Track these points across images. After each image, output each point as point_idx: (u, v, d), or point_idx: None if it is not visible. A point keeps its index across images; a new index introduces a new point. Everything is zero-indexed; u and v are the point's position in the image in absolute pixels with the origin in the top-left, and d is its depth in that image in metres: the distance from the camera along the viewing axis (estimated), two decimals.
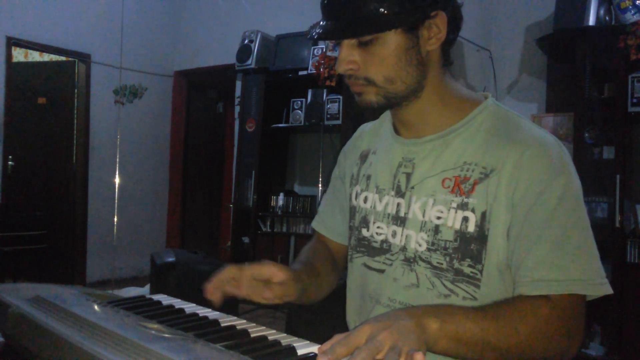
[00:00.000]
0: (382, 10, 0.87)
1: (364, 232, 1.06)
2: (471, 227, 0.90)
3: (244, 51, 4.56)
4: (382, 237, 1.02)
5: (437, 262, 0.93)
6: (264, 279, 0.96)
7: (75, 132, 5.27)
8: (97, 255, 5.31)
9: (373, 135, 1.15)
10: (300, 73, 4.37)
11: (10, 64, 4.81)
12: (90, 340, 0.69)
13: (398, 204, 1.00)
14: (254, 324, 0.88)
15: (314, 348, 0.75)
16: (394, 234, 1.00)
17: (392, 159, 1.03)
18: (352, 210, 1.11)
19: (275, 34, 4.63)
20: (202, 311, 0.96)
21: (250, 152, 4.65)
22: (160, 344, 0.67)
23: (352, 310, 1.12)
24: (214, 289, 0.95)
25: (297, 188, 5.02)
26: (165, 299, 1.03)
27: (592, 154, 3.37)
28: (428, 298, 0.94)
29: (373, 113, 1.00)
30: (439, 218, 0.94)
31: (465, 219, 0.91)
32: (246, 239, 4.71)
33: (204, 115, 6.55)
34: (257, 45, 4.53)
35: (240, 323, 0.89)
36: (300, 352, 0.74)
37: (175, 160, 6.07)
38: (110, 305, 0.93)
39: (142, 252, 5.39)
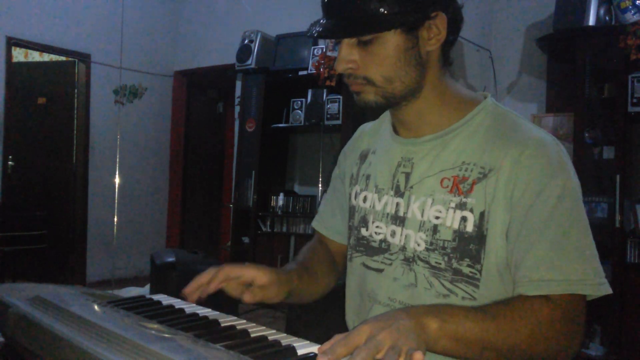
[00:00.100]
0: (382, 10, 0.87)
1: (363, 231, 1.06)
2: (470, 227, 0.90)
3: (244, 51, 4.56)
4: (381, 237, 1.02)
5: (436, 262, 0.93)
6: (246, 282, 0.97)
7: (75, 132, 5.27)
8: (97, 255, 5.31)
9: (373, 135, 1.15)
10: (300, 73, 4.37)
11: (10, 64, 4.82)
12: (90, 340, 0.69)
13: (397, 204, 1.00)
14: (254, 324, 0.88)
15: (314, 348, 0.75)
16: (393, 234, 1.00)
17: (391, 159, 1.03)
18: (352, 210, 1.11)
19: (275, 34, 4.63)
20: (202, 311, 0.96)
21: (250, 152, 4.65)
22: (160, 344, 0.67)
23: (351, 309, 1.12)
24: (192, 292, 0.95)
25: (297, 188, 5.02)
26: (165, 299, 1.03)
27: (592, 154, 3.37)
28: (426, 298, 0.94)
29: (373, 113, 1.00)
30: (437, 218, 0.94)
31: (464, 219, 0.91)
32: (246, 239, 4.71)
33: (204, 115, 6.55)
34: (257, 45, 4.53)
35: (240, 323, 0.89)
36: (300, 352, 0.74)
37: (175, 160, 6.07)
38: (110, 305, 0.93)
39: (142, 252, 5.39)
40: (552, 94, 3.91)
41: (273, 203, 4.68)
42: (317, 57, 4.20)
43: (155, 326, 0.79)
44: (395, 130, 1.06)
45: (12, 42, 4.78)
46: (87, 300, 0.95)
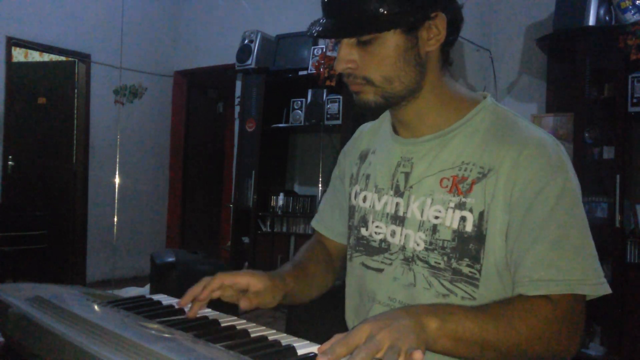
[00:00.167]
0: (382, 10, 0.87)
1: (363, 231, 1.06)
2: (469, 227, 0.90)
3: (244, 51, 4.56)
4: (380, 237, 1.02)
5: (435, 262, 0.93)
6: (241, 289, 0.98)
7: (75, 132, 5.27)
8: (97, 255, 5.31)
9: (372, 135, 1.15)
10: (300, 73, 4.37)
11: (10, 64, 4.81)
12: (90, 340, 0.69)
13: (397, 204, 1.00)
14: (254, 324, 0.88)
15: (314, 348, 0.75)
16: (393, 234, 1.00)
17: (391, 159, 1.03)
18: (352, 210, 1.11)
19: (275, 34, 4.63)
20: (202, 311, 0.96)
21: (250, 152, 4.65)
22: (160, 344, 0.67)
23: (351, 309, 1.12)
24: (186, 303, 0.95)
25: (297, 188, 5.02)
26: (165, 299, 1.03)
27: (592, 154, 3.37)
28: (426, 298, 0.94)
29: (373, 113, 1.00)
30: (436, 218, 0.94)
31: (463, 219, 0.91)
32: (246, 239, 4.71)
33: (204, 115, 6.55)
34: (257, 45, 4.53)
35: (240, 323, 0.89)
36: (300, 352, 0.74)
37: (175, 160, 6.07)
38: (110, 305, 0.93)
39: (142, 252, 5.39)
40: (552, 94, 3.91)
41: (273, 203, 4.68)
42: (317, 57, 4.20)
43: (155, 326, 0.79)
44: (395, 130, 1.06)
45: (12, 42, 4.78)
46: (87, 300, 0.95)
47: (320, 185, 4.40)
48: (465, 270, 0.91)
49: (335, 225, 1.21)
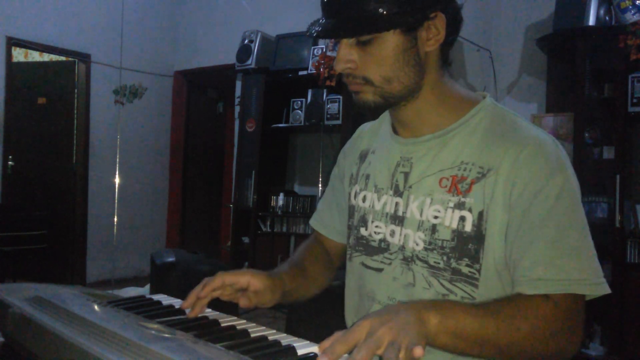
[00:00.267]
0: (382, 10, 0.88)
1: (363, 231, 1.06)
2: (468, 227, 0.90)
3: (244, 51, 4.56)
4: (380, 237, 1.02)
5: (434, 262, 0.93)
6: (241, 288, 0.99)
7: (75, 132, 5.27)
8: (97, 255, 5.31)
9: (372, 135, 1.15)
10: (300, 73, 4.37)
11: (10, 64, 4.81)
12: (90, 340, 0.69)
13: (396, 203, 1.00)
14: (254, 324, 0.88)
15: (314, 348, 0.75)
16: (393, 233, 1.00)
17: (391, 159, 1.04)
18: (351, 210, 1.12)
19: (275, 34, 4.63)
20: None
21: (250, 152, 4.65)
22: (160, 344, 0.67)
23: (351, 309, 1.13)
24: (190, 304, 0.96)
25: (297, 188, 5.02)
26: (165, 299, 1.04)
27: (592, 154, 3.37)
28: (425, 297, 0.94)
29: (372, 113, 1.00)
30: (436, 217, 0.94)
31: (462, 219, 0.91)
32: (246, 239, 4.71)
33: (204, 115, 6.55)
34: (257, 45, 4.53)
35: (240, 323, 0.89)
36: (300, 352, 0.74)
37: (175, 160, 6.07)
38: (110, 305, 0.93)
39: (142, 252, 5.39)
40: (552, 94, 3.91)
41: (273, 203, 4.68)
42: (317, 57, 4.20)
43: (155, 326, 0.79)
44: (395, 130, 1.06)
45: (12, 42, 4.78)
46: (87, 300, 0.95)
47: (320, 185, 4.40)
48: (465, 270, 0.91)
49: (333, 224, 1.21)
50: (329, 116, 4.28)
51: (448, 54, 0.99)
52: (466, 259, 0.91)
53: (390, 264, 1.00)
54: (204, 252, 3.71)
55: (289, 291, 1.07)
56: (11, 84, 4.80)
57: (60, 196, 5.29)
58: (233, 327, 0.87)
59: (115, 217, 4.76)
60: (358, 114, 3.95)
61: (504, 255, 0.89)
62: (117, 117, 5.07)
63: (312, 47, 4.32)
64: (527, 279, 0.85)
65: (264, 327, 0.87)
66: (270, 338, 0.80)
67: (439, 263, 0.93)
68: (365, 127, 1.20)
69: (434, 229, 0.94)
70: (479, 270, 0.90)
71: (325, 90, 4.29)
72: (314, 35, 0.93)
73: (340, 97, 4.21)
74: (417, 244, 0.96)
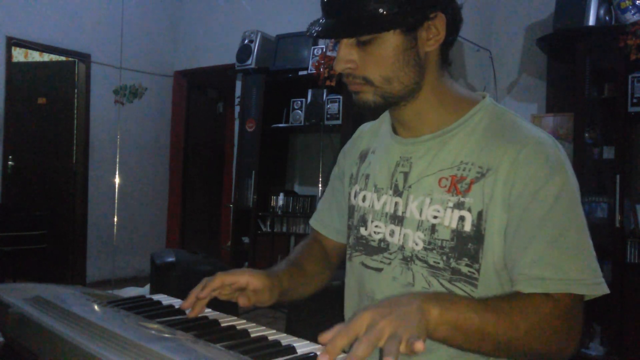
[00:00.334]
0: (382, 10, 0.88)
1: (362, 231, 1.06)
2: (467, 227, 0.90)
3: (244, 51, 4.56)
4: (379, 236, 1.03)
5: (434, 262, 0.93)
6: (240, 287, 0.99)
7: (75, 132, 5.27)
8: (97, 255, 5.32)
9: (372, 135, 1.15)
10: (300, 73, 4.37)
11: (10, 64, 4.82)
12: (90, 340, 0.69)
13: (396, 203, 1.00)
14: (254, 324, 0.88)
15: (314, 348, 0.75)
16: (392, 233, 1.00)
17: (390, 158, 1.04)
18: (351, 209, 1.12)
19: (275, 34, 4.63)
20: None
21: (250, 152, 4.65)
22: (160, 344, 0.67)
23: (350, 308, 1.13)
24: (190, 305, 0.96)
25: (297, 188, 5.02)
26: (165, 299, 1.04)
27: (592, 154, 3.37)
28: None
29: (372, 113, 1.00)
30: (435, 217, 0.94)
31: (462, 219, 0.91)
32: (246, 239, 4.71)
33: (204, 115, 6.55)
34: (257, 45, 4.53)
35: (240, 323, 0.89)
36: (300, 352, 0.74)
37: (175, 160, 6.07)
38: (110, 305, 0.93)
39: (142, 252, 5.39)
40: (552, 94, 3.91)
41: (273, 203, 4.68)
42: (317, 57, 4.20)
43: (155, 326, 0.79)
44: (395, 130, 1.06)
45: (12, 42, 4.78)
46: (87, 300, 0.95)
47: (320, 185, 4.40)
48: (464, 269, 0.91)
49: (332, 223, 1.22)
50: (329, 116, 4.28)
51: (448, 54, 0.99)
52: (465, 259, 0.91)
53: (389, 263, 1.00)
54: (204, 252, 3.71)
55: (287, 290, 1.07)
56: (11, 84, 4.80)
57: (60, 196, 5.29)
58: (233, 327, 0.87)
59: (115, 217, 4.76)
60: (358, 114, 3.95)
61: (503, 255, 0.89)
62: (117, 117, 5.07)
63: (312, 47, 4.33)
64: (526, 277, 0.85)
65: (264, 327, 0.87)
66: (270, 338, 0.80)
67: (438, 263, 0.93)
68: (365, 127, 1.20)
69: (433, 228, 0.94)
70: (478, 270, 0.90)
71: (325, 90, 4.29)
72: (314, 35, 0.93)
73: (340, 97, 4.22)
74: (416, 244, 0.96)
